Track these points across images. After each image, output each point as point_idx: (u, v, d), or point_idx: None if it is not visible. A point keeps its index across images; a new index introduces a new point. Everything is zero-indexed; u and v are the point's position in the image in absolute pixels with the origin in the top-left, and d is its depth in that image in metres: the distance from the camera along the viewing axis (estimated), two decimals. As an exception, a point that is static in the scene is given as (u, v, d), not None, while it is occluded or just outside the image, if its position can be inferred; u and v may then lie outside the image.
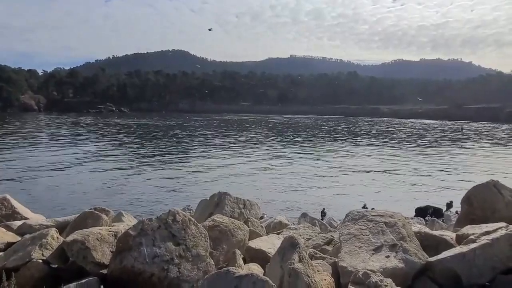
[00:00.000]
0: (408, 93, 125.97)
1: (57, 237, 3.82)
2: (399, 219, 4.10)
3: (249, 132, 44.58)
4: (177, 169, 18.15)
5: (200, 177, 16.24)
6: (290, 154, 24.89)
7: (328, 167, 19.78)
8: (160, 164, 19.36)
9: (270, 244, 4.49)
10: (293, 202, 12.38)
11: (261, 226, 5.52)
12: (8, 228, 4.87)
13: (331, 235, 5.24)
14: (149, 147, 27.18)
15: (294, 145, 31.55)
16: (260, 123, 64.63)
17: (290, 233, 4.67)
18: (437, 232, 4.52)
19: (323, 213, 10.47)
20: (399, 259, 3.53)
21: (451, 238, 4.17)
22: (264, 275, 3.03)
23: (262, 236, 5.06)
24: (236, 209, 5.69)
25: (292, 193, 13.66)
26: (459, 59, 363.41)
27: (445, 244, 4.03)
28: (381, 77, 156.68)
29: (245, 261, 4.16)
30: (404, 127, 61.05)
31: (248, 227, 4.82)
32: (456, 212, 9.83)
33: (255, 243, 4.49)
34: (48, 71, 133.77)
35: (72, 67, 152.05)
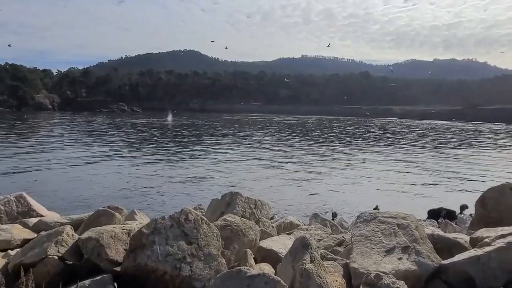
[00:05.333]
0: (421, 94, 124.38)
1: (72, 234, 3.89)
2: (412, 221, 4.07)
3: (260, 132, 44.59)
4: (188, 168, 18.26)
5: (210, 176, 16.30)
6: (300, 155, 24.83)
7: (339, 167, 19.65)
8: (171, 164, 19.50)
9: (281, 244, 4.49)
10: (303, 203, 12.32)
11: (272, 226, 5.52)
12: (25, 225, 4.99)
13: (343, 236, 5.21)
14: (160, 146, 27.40)
15: (305, 145, 31.45)
16: (271, 123, 64.57)
17: (301, 233, 4.67)
18: (450, 235, 4.47)
19: (334, 214, 10.42)
20: (412, 262, 3.50)
21: (465, 241, 4.12)
22: (275, 275, 3.04)
23: (273, 236, 5.07)
24: (247, 209, 5.72)
25: (302, 194, 13.60)
26: (474, 59, 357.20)
27: (459, 247, 3.99)
28: (394, 77, 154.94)
29: (256, 261, 4.17)
30: (417, 128, 60.29)
31: (259, 227, 4.82)
32: (470, 215, 9.67)
33: (266, 243, 4.49)
34: (62, 71, 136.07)
35: (85, 67, 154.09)
